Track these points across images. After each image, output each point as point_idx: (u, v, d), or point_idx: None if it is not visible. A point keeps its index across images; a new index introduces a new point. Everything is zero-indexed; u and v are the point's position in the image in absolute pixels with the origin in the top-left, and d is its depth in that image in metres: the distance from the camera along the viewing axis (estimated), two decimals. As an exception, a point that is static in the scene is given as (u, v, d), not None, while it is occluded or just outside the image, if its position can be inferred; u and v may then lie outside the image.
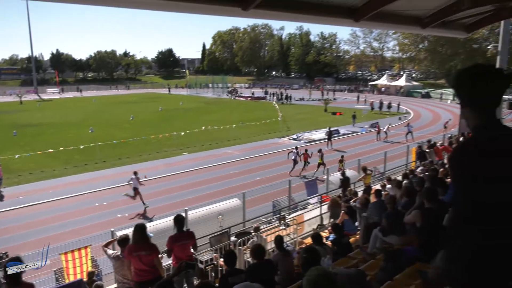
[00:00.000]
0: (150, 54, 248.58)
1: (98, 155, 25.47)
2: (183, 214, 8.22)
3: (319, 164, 21.62)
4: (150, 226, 10.36)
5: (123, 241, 6.89)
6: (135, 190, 16.90)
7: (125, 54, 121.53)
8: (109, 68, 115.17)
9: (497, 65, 18.57)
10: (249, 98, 66.78)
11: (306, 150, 22.31)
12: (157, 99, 68.41)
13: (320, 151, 22.05)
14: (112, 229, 9.72)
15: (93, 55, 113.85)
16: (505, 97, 34.98)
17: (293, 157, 21.96)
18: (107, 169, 23.19)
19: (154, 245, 6.71)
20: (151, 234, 8.50)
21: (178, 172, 22.40)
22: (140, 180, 17.10)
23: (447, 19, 12.52)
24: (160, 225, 10.92)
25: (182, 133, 31.35)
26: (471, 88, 1.99)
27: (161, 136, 30.57)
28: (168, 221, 10.28)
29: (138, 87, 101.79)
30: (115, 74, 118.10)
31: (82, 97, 75.19)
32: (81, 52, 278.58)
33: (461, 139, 17.52)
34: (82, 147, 26.38)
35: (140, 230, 6.57)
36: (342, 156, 21.11)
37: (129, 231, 7.14)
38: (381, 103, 49.19)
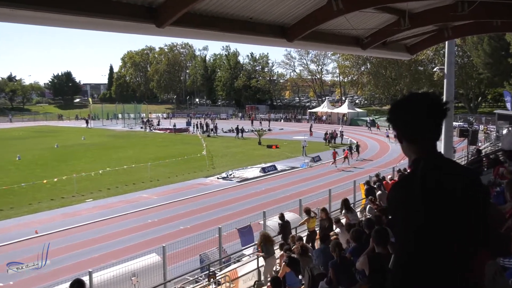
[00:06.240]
0: (43, 78, 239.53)
1: (-27, 207, 23.69)
2: (85, 278, 7.85)
3: None
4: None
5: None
6: None
7: (10, 78, 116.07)
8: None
9: (444, 89, 20.16)
10: (168, 131, 66.09)
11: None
12: (52, 133, 65.54)
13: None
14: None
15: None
16: (455, 123, 37.89)
17: None
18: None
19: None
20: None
21: (81, 224, 21.40)
22: None
23: (389, 40, 13.57)
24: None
25: (84, 174, 30.24)
26: (404, 121, 2.16)
27: (56, 179, 29.19)
28: None
29: (27, 119, 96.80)
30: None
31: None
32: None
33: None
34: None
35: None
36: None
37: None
38: (325, 134, 50.98)
